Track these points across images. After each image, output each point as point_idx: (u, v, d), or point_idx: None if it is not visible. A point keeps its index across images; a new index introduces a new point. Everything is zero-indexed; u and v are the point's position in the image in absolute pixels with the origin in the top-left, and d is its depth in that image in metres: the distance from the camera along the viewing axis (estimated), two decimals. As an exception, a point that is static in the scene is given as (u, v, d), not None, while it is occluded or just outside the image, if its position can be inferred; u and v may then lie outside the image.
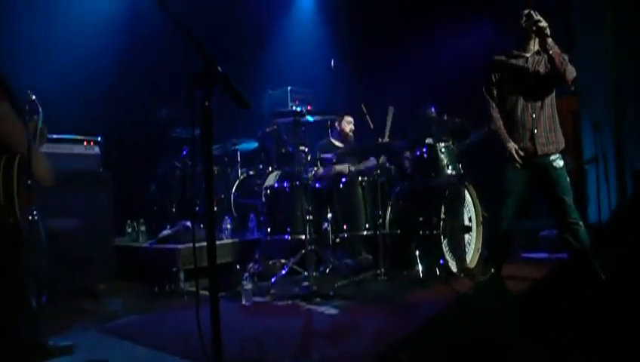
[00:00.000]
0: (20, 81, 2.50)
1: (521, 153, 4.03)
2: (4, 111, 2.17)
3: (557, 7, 7.07)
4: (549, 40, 3.88)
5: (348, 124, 6.01)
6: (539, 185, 4.12)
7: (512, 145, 4.05)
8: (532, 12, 3.93)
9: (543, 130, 4.04)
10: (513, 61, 4.14)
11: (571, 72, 3.93)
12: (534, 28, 3.91)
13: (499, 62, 4.18)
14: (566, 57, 3.94)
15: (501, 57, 4.19)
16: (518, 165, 4.05)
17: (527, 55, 4.11)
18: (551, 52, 3.88)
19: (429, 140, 5.33)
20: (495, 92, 4.19)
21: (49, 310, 3.91)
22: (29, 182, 2.30)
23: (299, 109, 4.79)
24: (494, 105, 4.18)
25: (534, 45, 4.10)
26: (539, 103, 4.06)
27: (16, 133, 2.22)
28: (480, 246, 5.08)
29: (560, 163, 4.04)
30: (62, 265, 4.07)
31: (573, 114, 7.39)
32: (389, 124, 5.40)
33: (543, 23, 3.88)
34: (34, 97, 2.67)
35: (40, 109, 2.67)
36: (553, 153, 4.04)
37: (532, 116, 4.04)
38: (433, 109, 5.80)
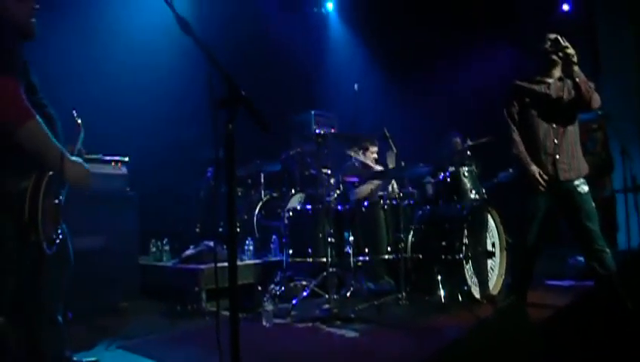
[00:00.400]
0: (58, 103, 2.57)
1: (545, 177, 3.99)
2: (34, 129, 2.16)
3: (582, 32, 7.06)
4: (576, 67, 3.84)
5: (372, 154, 6.03)
6: (563, 212, 4.05)
7: (535, 169, 4.00)
8: (559, 38, 3.91)
9: (565, 156, 3.99)
10: (535, 87, 4.10)
11: (596, 100, 3.90)
12: (561, 54, 3.88)
13: (520, 87, 4.15)
14: (592, 85, 3.91)
15: (523, 83, 4.16)
16: (541, 188, 4.00)
17: (550, 81, 4.07)
18: (577, 79, 3.84)
19: (451, 168, 5.32)
20: (517, 117, 4.15)
21: (74, 327, 3.99)
22: (57, 201, 2.34)
23: (323, 133, 4.83)
24: (515, 128, 4.14)
25: (558, 71, 4.07)
26: (561, 130, 4.01)
27: (48, 151, 2.22)
28: (503, 272, 5.02)
29: (584, 188, 3.97)
30: (87, 283, 4.15)
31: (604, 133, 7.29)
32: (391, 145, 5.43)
33: (571, 50, 3.84)
34: (79, 120, 2.72)
35: (82, 131, 2.71)
36: (575, 179, 3.99)
37: (554, 142, 4.00)
38: (459, 138, 5.78)
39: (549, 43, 3.97)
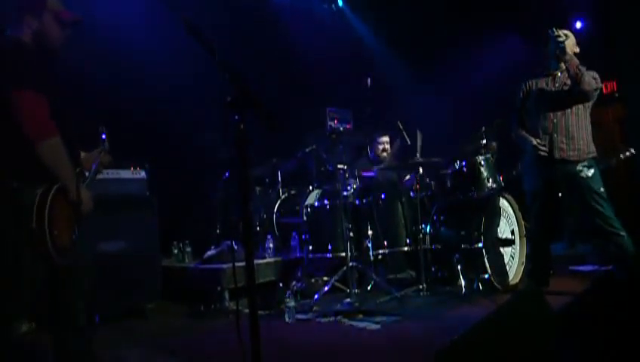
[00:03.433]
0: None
1: (544, 145, 4.08)
2: (53, 146, 2.25)
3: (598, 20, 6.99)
4: (567, 56, 3.94)
5: (380, 145, 6.03)
6: (571, 195, 4.09)
7: (533, 139, 4.14)
8: (554, 30, 3.96)
9: (564, 136, 4.06)
10: (541, 80, 4.24)
11: (588, 82, 3.93)
12: (554, 45, 3.98)
13: (527, 85, 4.31)
14: (582, 68, 3.95)
15: (530, 81, 4.30)
16: (542, 153, 4.07)
17: (557, 73, 4.19)
18: (567, 64, 3.93)
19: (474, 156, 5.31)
20: (521, 112, 4.35)
21: (100, 329, 4.08)
22: (70, 211, 2.38)
23: (338, 129, 4.85)
24: (518, 121, 4.36)
25: (562, 64, 4.13)
26: (560, 111, 4.10)
27: (62, 172, 2.30)
28: (524, 259, 4.99)
29: (588, 172, 3.99)
30: (111, 286, 4.24)
31: (619, 123, 7.20)
32: (419, 146, 5.42)
33: (561, 38, 3.94)
34: (104, 136, 2.80)
35: (106, 145, 2.80)
36: (575, 160, 4.02)
37: (553, 121, 4.09)
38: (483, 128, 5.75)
39: (551, 39, 4.05)
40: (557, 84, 4.17)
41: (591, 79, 3.94)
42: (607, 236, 3.88)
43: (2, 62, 2.26)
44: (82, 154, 2.71)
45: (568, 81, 4.07)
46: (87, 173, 2.68)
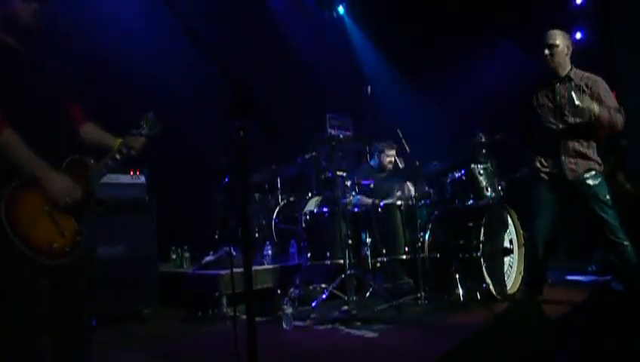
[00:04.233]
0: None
1: (546, 166, 4.01)
2: (4, 141, 2.18)
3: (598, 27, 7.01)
4: (594, 113, 3.78)
5: (388, 157, 6.03)
6: (580, 206, 4.04)
7: (537, 158, 4.06)
8: (546, 37, 3.95)
9: (571, 155, 3.98)
10: (542, 94, 4.13)
11: (618, 122, 3.87)
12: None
13: (528, 95, 4.21)
14: (618, 117, 3.86)
15: (530, 94, 4.19)
16: (543, 176, 4.02)
17: (555, 83, 4.05)
18: (598, 119, 3.82)
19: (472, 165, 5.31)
20: (526, 120, 4.24)
21: (98, 333, 4.08)
22: (47, 208, 2.28)
23: (338, 135, 4.86)
24: (524, 129, 4.26)
25: (563, 70, 4.04)
26: (565, 128, 3.99)
27: (23, 164, 2.22)
28: (522, 269, 4.99)
29: (594, 181, 3.93)
30: (109, 291, 4.23)
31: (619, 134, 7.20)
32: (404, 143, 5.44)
33: (546, 51, 3.94)
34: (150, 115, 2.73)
35: (145, 128, 2.69)
36: (584, 173, 3.97)
37: (558, 143, 3.99)
38: (481, 135, 5.75)
39: (546, 47, 3.99)
40: (557, 97, 4.03)
41: (620, 118, 3.87)
42: (610, 245, 3.84)
43: None
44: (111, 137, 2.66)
45: (563, 100, 3.98)
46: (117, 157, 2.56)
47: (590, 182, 3.94)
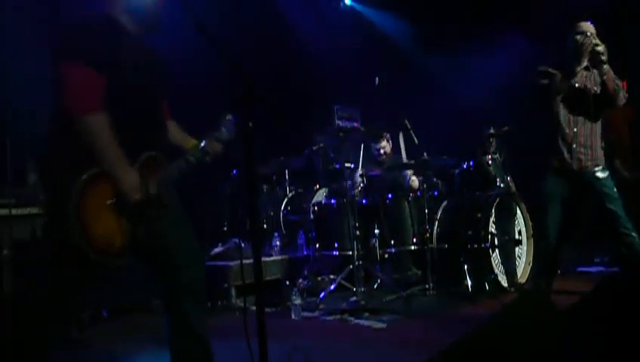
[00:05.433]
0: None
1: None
2: (93, 124, 2.09)
3: (608, 18, 6.92)
4: (606, 65, 3.81)
5: (380, 148, 6.00)
6: (588, 199, 4.03)
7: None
8: (591, 32, 3.86)
9: (583, 145, 3.97)
10: (561, 74, 3.99)
11: (622, 98, 3.88)
12: (590, 50, 3.83)
13: (546, 72, 4.04)
14: (619, 83, 3.88)
15: (547, 68, 4.05)
16: (556, 175, 4.00)
17: (577, 69, 3.96)
18: (605, 77, 3.83)
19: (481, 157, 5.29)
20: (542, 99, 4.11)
21: (108, 324, 4.12)
22: (109, 202, 2.16)
23: (346, 126, 4.85)
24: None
25: (584, 61, 3.95)
26: (581, 118, 3.99)
27: (102, 152, 2.10)
28: (531, 260, 4.98)
29: (602, 174, 3.95)
30: (118, 282, 4.26)
31: (628, 124, 7.15)
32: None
33: (601, 48, 3.80)
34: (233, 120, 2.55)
35: (224, 133, 2.56)
36: (593, 167, 3.96)
37: (573, 130, 3.97)
38: (491, 129, 5.72)
39: (579, 33, 3.92)
40: (578, 82, 3.97)
41: (624, 93, 3.87)
42: (619, 237, 3.84)
43: (63, 38, 2.21)
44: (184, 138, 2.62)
45: (588, 83, 3.98)
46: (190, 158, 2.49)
47: (598, 175, 3.94)
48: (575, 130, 3.98)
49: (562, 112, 4.02)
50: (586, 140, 3.97)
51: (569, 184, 4.03)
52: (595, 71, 3.96)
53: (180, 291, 2.39)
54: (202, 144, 2.50)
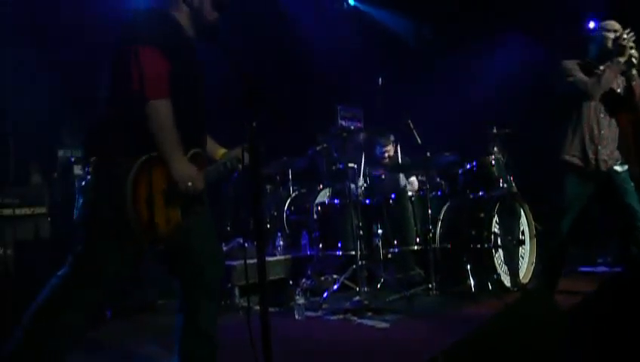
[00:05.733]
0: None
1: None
2: (159, 109, 2.09)
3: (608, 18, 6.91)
4: (634, 70, 3.79)
5: (380, 153, 6.02)
6: (605, 196, 3.97)
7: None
8: (625, 34, 3.81)
9: (606, 147, 3.90)
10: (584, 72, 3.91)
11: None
12: (625, 52, 3.77)
13: (572, 65, 3.94)
14: None
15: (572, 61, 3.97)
16: (579, 177, 3.93)
17: (601, 68, 3.85)
18: (634, 83, 3.81)
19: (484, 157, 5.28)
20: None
21: (112, 324, 4.14)
22: (164, 188, 2.17)
23: (349, 127, 4.87)
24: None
25: (622, 59, 3.83)
26: (607, 119, 3.92)
27: (163, 139, 2.11)
28: (534, 259, 4.98)
29: (621, 168, 3.91)
30: (124, 282, 4.28)
31: (633, 125, 7.13)
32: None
33: (635, 52, 3.78)
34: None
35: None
36: (613, 164, 3.91)
37: (601, 132, 3.89)
38: (495, 129, 5.70)
39: (610, 31, 3.89)
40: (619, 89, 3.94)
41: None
42: (632, 231, 3.80)
43: (135, 23, 2.21)
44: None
45: (615, 85, 3.91)
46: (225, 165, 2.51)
47: (618, 168, 3.91)
48: (602, 131, 3.89)
49: (587, 111, 3.91)
50: (609, 141, 3.92)
51: (591, 185, 3.96)
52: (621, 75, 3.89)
53: (198, 290, 2.37)
54: (236, 153, 2.52)
